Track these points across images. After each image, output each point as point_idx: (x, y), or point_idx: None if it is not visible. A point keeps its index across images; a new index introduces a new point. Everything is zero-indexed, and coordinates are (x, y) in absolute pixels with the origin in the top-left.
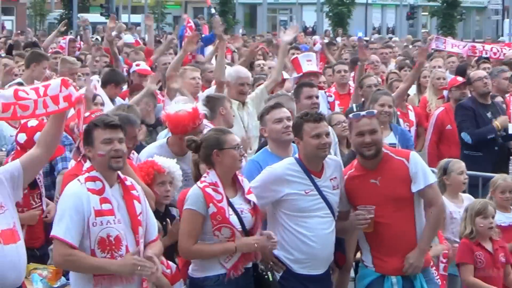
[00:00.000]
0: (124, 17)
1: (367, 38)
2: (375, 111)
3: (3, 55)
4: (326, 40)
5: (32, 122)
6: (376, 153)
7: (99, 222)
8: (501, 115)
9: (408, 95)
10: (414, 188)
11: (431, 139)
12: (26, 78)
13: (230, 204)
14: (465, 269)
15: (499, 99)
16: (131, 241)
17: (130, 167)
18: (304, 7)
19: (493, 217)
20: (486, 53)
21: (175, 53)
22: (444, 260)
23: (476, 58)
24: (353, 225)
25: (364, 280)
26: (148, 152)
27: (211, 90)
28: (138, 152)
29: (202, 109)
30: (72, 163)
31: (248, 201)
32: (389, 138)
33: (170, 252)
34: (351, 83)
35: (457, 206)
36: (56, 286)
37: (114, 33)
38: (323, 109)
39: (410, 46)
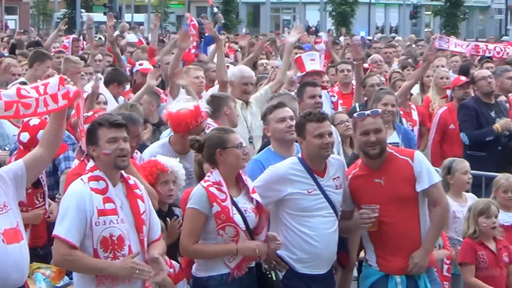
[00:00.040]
0: (127, 17)
1: (370, 37)
2: (380, 110)
3: (6, 54)
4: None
5: (34, 121)
6: (381, 152)
7: (102, 221)
8: (504, 114)
9: (411, 94)
10: (418, 188)
11: (434, 139)
12: (29, 78)
13: (234, 203)
14: (467, 269)
15: (502, 98)
16: (134, 240)
17: (133, 167)
18: (307, 7)
19: (496, 217)
20: (490, 52)
21: None
22: (448, 262)
23: (479, 57)
24: (357, 224)
25: (368, 280)
26: (151, 151)
27: (215, 89)
28: (141, 152)
29: (204, 107)
30: (75, 163)
31: (252, 200)
32: (392, 137)
33: (173, 251)
34: (354, 82)
35: (460, 206)
36: (59, 285)
37: (116, 33)
38: (327, 109)
39: (413, 45)
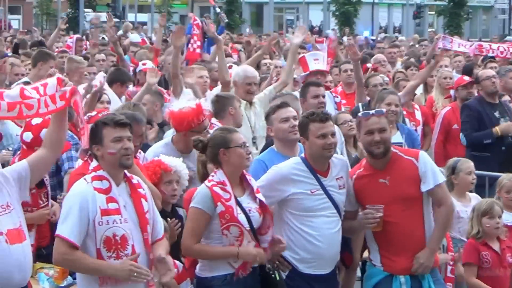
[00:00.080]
0: (131, 16)
1: (373, 37)
2: (384, 110)
3: (9, 54)
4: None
5: (37, 120)
6: (385, 152)
7: (105, 221)
8: (508, 114)
9: (415, 94)
10: (423, 188)
11: (438, 139)
12: (33, 77)
13: (238, 203)
14: (469, 269)
15: (506, 98)
16: (138, 240)
17: (137, 166)
18: (310, 6)
19: (499, 217)
20: (493, 52)
21: (182, 53)
22: (451, 263)
23: (482, 57)
24: (361, 224)
25: (372, 279)
26: (154, 151)
27: (219, 89)
28: (145, 151)
29: (206, 105)
30: (78, 163)
31: (256, 200)
32: (396, 137)
33: (176, 251)
34: None
35: (464, 206)
36: (62, 285)
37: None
38: (330, 109)
39: (417, 45)
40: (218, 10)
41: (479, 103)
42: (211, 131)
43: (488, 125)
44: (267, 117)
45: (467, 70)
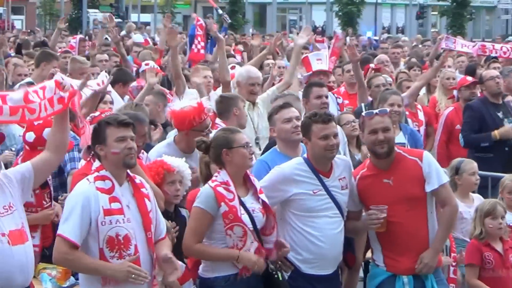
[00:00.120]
0: (134, 17)
1: (376, 38)
2: (388, 109)
3: (12, 54)
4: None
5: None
6: (389, 152)
7: (108, 221)
8: None
9: (418, 94)
10: (428, 188)
11: (441, 139)
12: (36, 77)
13: (241, 203)
14: (470, 270)
15: (509, 98)
16: (141, 240)
17: (140, 167)
18: (313, 7)
19: (502, 218)
20: (496, 53)
21: (184, 53)
22: (454, 264)
23: (484, 58)
24: (365, 225)
25: (375, 280)
26: (157, 151)
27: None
28: (148, 152)
29: (207, 104)
30: (81, 163)
31: (259, 201)
32: (399, 138)
33: (179, 252)
34: None
35: (467, 206)
36: (65, 286)
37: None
38: (333, 110)
39: (420, 46)
40: (220, 11)
41: (482, 104)
42: (215, 131)
43: (491, 126)
44: (270, 117)
45: (470, 70)
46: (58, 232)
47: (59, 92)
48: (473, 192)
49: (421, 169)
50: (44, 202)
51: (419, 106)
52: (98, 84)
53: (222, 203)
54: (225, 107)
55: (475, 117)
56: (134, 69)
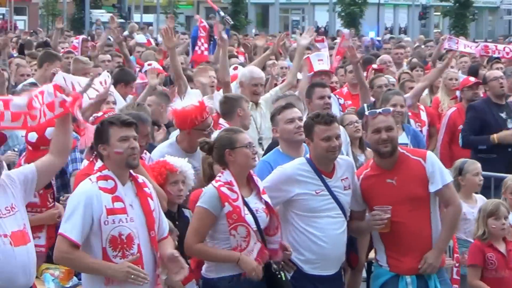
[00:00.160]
0: (136, 17)
1: (379, 38)
2: (391, 109)
3: (15, 54)
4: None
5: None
6: (392, 151)
7: (111, 220)
8: None
9: (420, 95)
10: (432, 188)
11: (443, 140)
12: (39, 78)
13: (245, 203)
14: (473, 271)
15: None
16: (144, 239)
17: (143, 167)
18: (316, 7)
19: (506, 218)
20: (499, 53)
21: (187, 54)
22: (457, 264)
23: (487, 58)
24: (369, 225)
25: (379, 280)
26: (160, 151)
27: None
28: (150, 153)
29: (208, 103)
30: (84, 164)
31: (263, 201)
32: (401, 138)
33: (181, 252)
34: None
35: (470, 207)
36: (68, 286)
37: (126, 33)
38: (335, 111)
39: (422, 46)
40: (222, 13)
41: (485, 104)
42: (218, 132)
43: (493, 126)
44: (272, 117)
45: (473, 71)
46: (60, 231)
47: (61, 95)
48: (476, 193)
49: (425, 169)
50: (48, 203)
51: (421, 107)
52: (101, 83)
53: (226, 203)
54: (229, 107)
55: (476, 118)
56: (137, 69)
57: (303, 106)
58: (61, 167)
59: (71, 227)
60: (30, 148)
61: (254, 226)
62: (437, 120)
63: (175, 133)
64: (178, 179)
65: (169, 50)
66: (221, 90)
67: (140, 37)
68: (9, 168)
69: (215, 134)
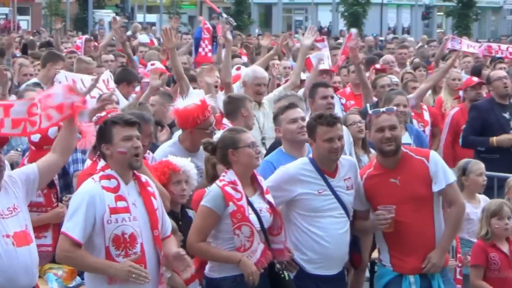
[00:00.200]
0: (140, 17)
1: (382, 38)
2: (395, 108)
3: (18, 54)
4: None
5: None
6: (396, 150)
7: (114, 219)
8: None
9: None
10: (435, 188)
11: (446, 139)
12: (42, 78)
13: (249, 203)
14: (475, 271)
15: None
16: (147, 238)
17: (146, 167)
18: (319, 7)
19: (509, 218)
20: (502, 53)
21: (190, 54)
22: (460, 264)
23: (490, 58)
24: (373, 225)
25: (382, 279)
26: (163, 151)
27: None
28: (153, 152)
29: (210, 101)
30: (87, 163)
31: (266, 201)
32: (404, 138)
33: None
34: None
35: (473, 207)
36: (71, 285)
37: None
38: (337, 111)
39: (426, 46)
40: (224, 15)
41: (489, 104)
42: (221, 131)
43: (496, 127)
44: (275, 117)
45: (476, 71)
46: (62, 230)
47: (71, 96)
48: (479, 193)
49: (428, 169)
50: (52, 203)
51: (424, 107)
52: (103, 81)
53: (230, 203)
54: (233, 107)
55: (479, 118)
56: (140, 69)
57: (305, 106)
58: (62, 166)
59: (73, 226)
60: (33, 148)
61: (258, 226)
62: (440, 120)
63: (178, 133)
64: (181, 179)
65: (169, 50)
66: (224, 91)
67: (143, 37)
68: (12, 168)
69: (218, 134)
